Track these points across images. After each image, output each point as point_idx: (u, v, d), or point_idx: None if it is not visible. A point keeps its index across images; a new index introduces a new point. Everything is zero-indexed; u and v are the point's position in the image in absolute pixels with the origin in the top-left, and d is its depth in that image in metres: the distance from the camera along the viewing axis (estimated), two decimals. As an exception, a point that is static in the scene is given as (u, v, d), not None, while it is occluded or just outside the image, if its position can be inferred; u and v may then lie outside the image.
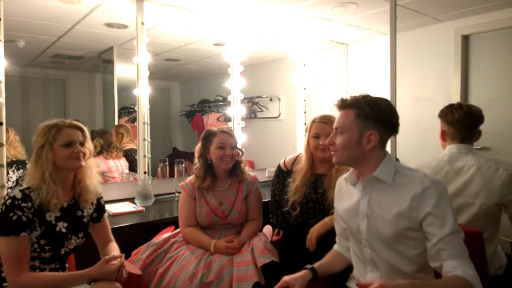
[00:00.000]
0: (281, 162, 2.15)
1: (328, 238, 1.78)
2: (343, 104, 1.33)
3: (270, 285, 1.62)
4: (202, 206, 1.97)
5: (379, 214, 1.27)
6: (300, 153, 2.09)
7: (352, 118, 1.28)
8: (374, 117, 1.26)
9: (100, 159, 3.00)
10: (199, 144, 2.03)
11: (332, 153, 1.35)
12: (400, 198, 1.24)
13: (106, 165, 3.04)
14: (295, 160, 2.08)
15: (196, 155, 2.03)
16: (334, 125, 1.34)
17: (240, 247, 1.85)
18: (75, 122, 1.52)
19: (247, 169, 2.08)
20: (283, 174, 2.09)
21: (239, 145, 2.06)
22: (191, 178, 2.06)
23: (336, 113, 1.37)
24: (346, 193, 1.44)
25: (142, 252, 1.80)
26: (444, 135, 1.86)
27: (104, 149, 3.08)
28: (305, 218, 1.92)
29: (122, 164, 3.16)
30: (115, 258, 1.46)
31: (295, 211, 1.91)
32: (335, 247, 1.57)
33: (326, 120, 1.94)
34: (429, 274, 1.28)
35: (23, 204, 1.38)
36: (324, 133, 1.90)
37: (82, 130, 1.53)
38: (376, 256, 1.30)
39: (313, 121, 1.98)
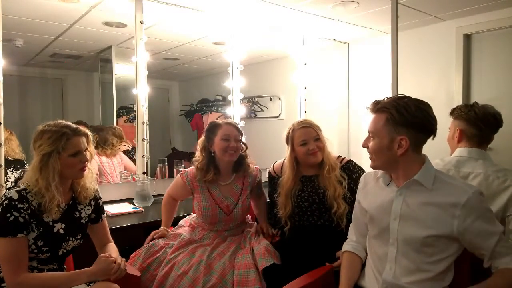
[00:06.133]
0: (270, 168, 2.13)
1: (330, 239, 1.76)
2: (375, 108, 1.33)
3: (272, 288, 1.61)
4: (206, 198, 1.92)
5: (413, 216, 1.28)
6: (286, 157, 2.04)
7: (382, 123, 1.29)
8: (404, 122, 1.26)
9: (94, 155, 2.99)
10: (203, 137, 1.99)
11: (369, 157, 1.37)
12: (438, 203, 1.25)
13: (99, 161, 3.02)
14: (283, 165, 2.04)
15: (199, 147, 1.99)
16: (368, 129, 1.36)
17: (266, 228, 1.97)
18: (81, 129, 1.52)
19: (250, 161, 2.05)
20: (274, 180, 2.07)
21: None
22: (192, 168, 2.01)
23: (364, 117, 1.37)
24: (373, 190, 1.44)
25: (140, 255, 1.78)
26: (461, 135, 1.73)
27: (100, 145, 3.06)
28: (311, 220, 1.91)
29: (115, 163, 3.14)
30: (110, 255, 1.47)
31: (287, 226, 1.90)
32: (349, 248, 1.53)
33: (307, 124, 1.94)
34: (447, 278, 1.29)
35: (19, 205, 1.37)
36: (310, 137, 1.90)
37: (87, 136, 1.54)
38: (401, 256, 1.30)
39: (293, 129, 1.95)
